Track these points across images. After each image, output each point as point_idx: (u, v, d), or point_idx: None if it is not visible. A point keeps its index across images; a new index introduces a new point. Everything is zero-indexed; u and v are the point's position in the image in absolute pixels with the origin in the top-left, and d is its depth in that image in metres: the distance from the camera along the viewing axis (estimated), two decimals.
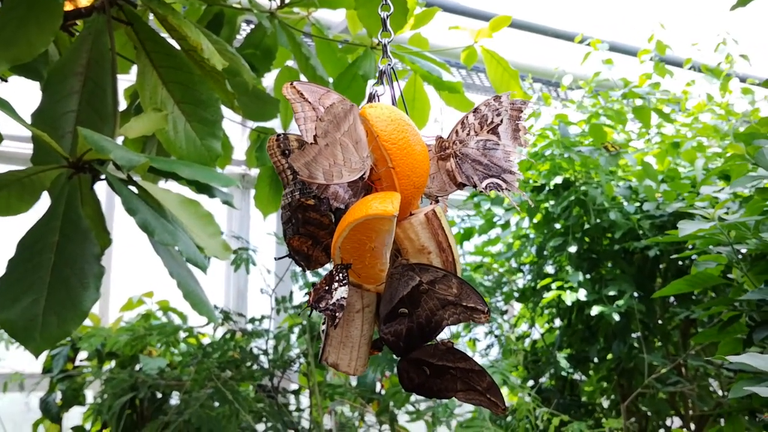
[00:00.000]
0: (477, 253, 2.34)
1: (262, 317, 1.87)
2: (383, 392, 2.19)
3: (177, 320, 2.13)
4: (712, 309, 1.34)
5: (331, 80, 1.69)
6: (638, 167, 1.95)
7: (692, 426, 2.13)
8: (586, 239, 2.10)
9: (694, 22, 2.34)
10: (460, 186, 0.69)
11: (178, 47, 1.22)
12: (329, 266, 0.72)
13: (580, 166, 1.96)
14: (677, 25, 2.23)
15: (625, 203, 1.96)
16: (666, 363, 1.92)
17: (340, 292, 0.64)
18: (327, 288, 0.65)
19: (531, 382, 2.21)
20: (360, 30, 1.79)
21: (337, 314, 0.63)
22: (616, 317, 1.90)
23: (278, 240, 1.88)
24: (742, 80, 2.24)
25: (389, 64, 0.74)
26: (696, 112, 2.14)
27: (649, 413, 2.16)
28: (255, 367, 1.83)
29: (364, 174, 0.64)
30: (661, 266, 2.10)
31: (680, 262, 2.03)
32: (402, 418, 2.07)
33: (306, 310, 1.88)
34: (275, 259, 0.68)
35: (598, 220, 1.96)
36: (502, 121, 0.70)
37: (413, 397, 1.90)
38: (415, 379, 0.74)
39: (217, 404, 1.78)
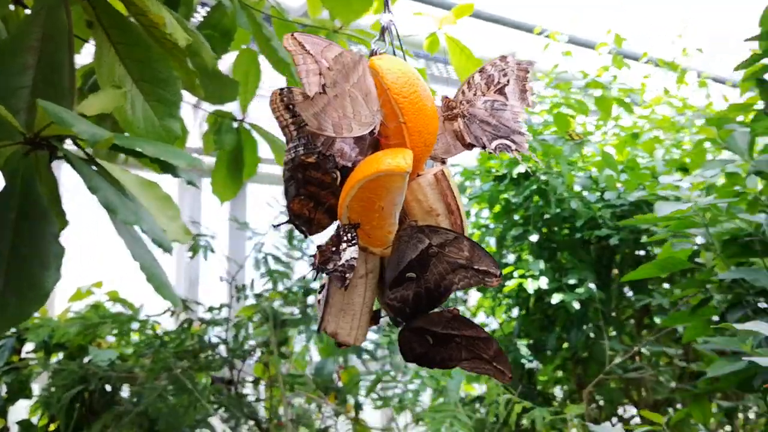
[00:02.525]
0: None
1: (221, 306, 1.82)
2: (340, 384, 2.16)
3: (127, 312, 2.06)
4: (684, 291, 1.35)
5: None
6: (598, 158, 1.96)
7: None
8: (545, 230, 2.10)
9: (652, 16, 2.37)
10: (469, 147, 0.67)
11: (136, 23, 1.17)
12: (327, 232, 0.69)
13: (542, 156, 1.96)
14: (635, 19, 2.26)
15: (585, 193, 1.97)
16: (626, 350, 1.93)
17: (350, 253, 0.61)
18: (334, 249, 0.61)
19: None
20: (320, 14, 1.76)
21: (347, 275, 0.60)
22: (576, 305, 1.91)
23: (239, 226, 1.83)
24: (699, 74, 2.28)
25: (391, 20, 0.71)
26: (653, 105, 2.17)
27: (601, 402, 2.18)
28: (214, 357, 1.77)
29: (374, 129, 0.61)
30: (616, 256, 2.12)
31: (637, 252, 2.05)
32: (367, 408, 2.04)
33: (268, 299, 1.84)
34: (273, 226, 0.64)
35: (559, 210, 1.97)
36: (508, 81, 0.68)
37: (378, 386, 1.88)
38: (417, 349, 0.71)
39: (171, 396, 1.72)
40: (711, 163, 1.30)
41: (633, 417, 2.39)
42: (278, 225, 0.69)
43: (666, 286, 2.04)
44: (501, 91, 0.68)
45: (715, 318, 1.37)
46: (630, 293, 2.11)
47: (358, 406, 1.90)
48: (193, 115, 2.41)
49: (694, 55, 2.26)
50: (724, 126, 1.28)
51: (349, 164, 0.63)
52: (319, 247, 0.63)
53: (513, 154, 0.66)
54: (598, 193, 1.95)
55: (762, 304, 1.19)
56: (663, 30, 2.30)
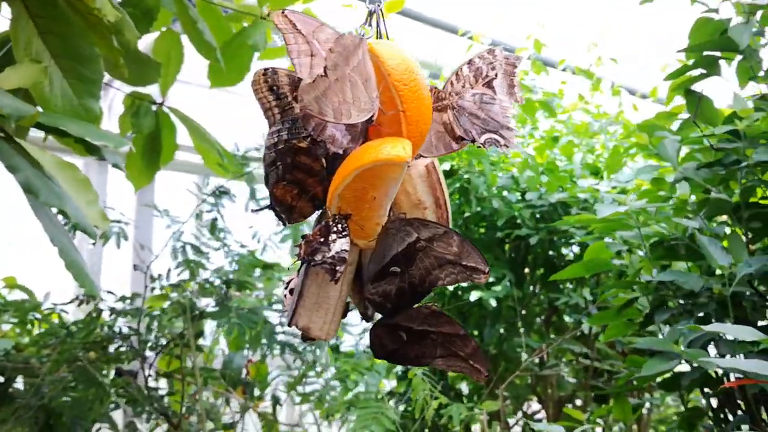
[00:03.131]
0: None
1: (134, 295, 1.73)
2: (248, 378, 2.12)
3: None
4: (611, 291, 1.39)
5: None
6: (519, 159, 2.00)
7: (551, 410, 2.22)
8: (463, 227, 2.12)
9: (571, 25, 2.44)
10: (459, 139, 0.66)
11: None
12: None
13: (466, 155, 1.97)
14: (555, 27, 2.31)
15: (505, 192, 2.00)
16: (536, 348, 1.98)
17: (340, 244, 0.58)
18: (323, 240, 0.59)
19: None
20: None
21: (337, 268, 0.57)
22: (493, 303, 1.94)
23: (158, 213, 1.75)
24: (612, 83, 2.36)
25: (378, 4, 0.69)
26: (570, 110, 2.23)
27: (508, 399, 2.23)
28: (124, 348, 1.69)
29: (372, 115, 0.58)
30: (529, 256, 2.17)
31: (550, 252, 2.10)
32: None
33: (184, 290, 1.77)
34: (252, 211, 0.60)
35: (479, 208, 1.99)
36: (496, 75, 0.67)
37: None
38: (389, 346, 0.70)
39: (75, 389, 1.63)
40: (643, 169, 1.34)
41: (536, 413, 2.45)
42: (256, 210, 0.66)
43: (569, 285, 2.10)
44: (489, 85, 0.67)
45: (633, 319, 1.41)
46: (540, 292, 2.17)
47: (276, 402, 1.86)
48: (104, 95, 2.29)
49: (608, 65, 2.33)
50: (655, 133, 1.32)
51: (340, 151, 0.61)
52: (305, 237, 0.60)
53: (502, 148, 0.65)
54: (519, 194, 1.98)
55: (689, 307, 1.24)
56: (581, 38, 2.37)
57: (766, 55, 1.34)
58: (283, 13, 0.61)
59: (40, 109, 1.12)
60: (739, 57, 1.36)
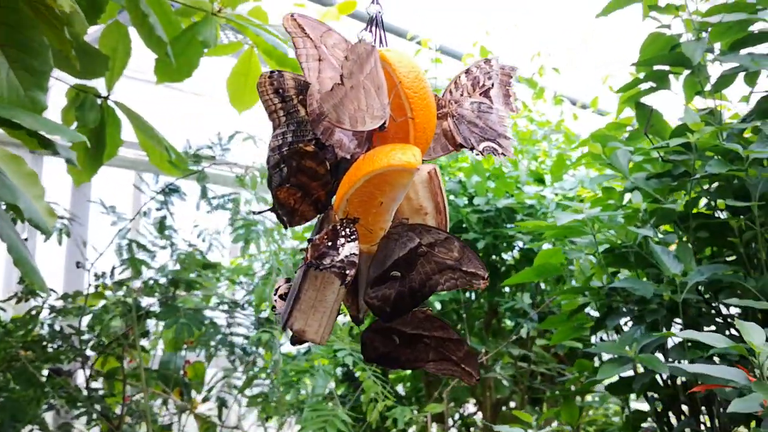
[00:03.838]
0: (297, 237, 2.29)
1: (76, 293, 1.68)
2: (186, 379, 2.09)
3: None
4: (562, 296, 1.42)
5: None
6: (466, 164, 2.03)
7: (488, 412, 2.26)
8: None
9: (516, 33, 2.48)
10: (458, 147, 0.67)
11: None
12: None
13: None
14: (500, 35, 2.36)
15: (453, 197, 2.02)
16: (480, 351, 2.01)
17: (349, 248, 0.58)
18: (331, 244, 0.59)
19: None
20: None
21: (347, 272, 0.57)
22: (438, 306, 1.96)
23: (104, 210, 1.70)
24: (554, 93, 2.42)
25: (379, 11, 0.69)
26: (514, 117, 2.27)
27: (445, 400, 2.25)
28: (64, 347, 1.64)
29: (384, 122, 0.59)
30: None
31: (492, 257, 2.14)
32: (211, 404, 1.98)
33: (129, 288, 1.72)
34: (254, 213, 0.59)
35: None
36: (492, 84, 0.69)
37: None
38: (380, 349, 0.70)
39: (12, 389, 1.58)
40: (598, 178, 1.39)
41: (473, 414, 2.49)
42: (259, 212, 0.65)
43: (506, 289, 2.15)
44: (486, 94, 0.68)
45: (581, 323, 1.46)
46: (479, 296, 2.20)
47: (223, 404, 1.83)
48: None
49: (551, 75, 2.39)
50: (608, 143, 1.36)
51: (348, 156, 0.61)
52: (311, 240, 0.60)
53: (499, 157, 0.66)
54: (466, 198, 2.01)
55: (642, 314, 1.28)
56: (526, 47, 2.42)
57: (713, 71, 1.40)
58: (292, 16, 0.61)
59: None
60: (687, 72, 1.42)
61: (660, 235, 1.34)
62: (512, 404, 2.34)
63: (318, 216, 0.65)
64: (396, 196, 0.60)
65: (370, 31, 0.69)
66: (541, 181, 2.12)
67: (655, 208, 1.32)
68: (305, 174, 0.62)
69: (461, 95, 0.68)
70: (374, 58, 0.58)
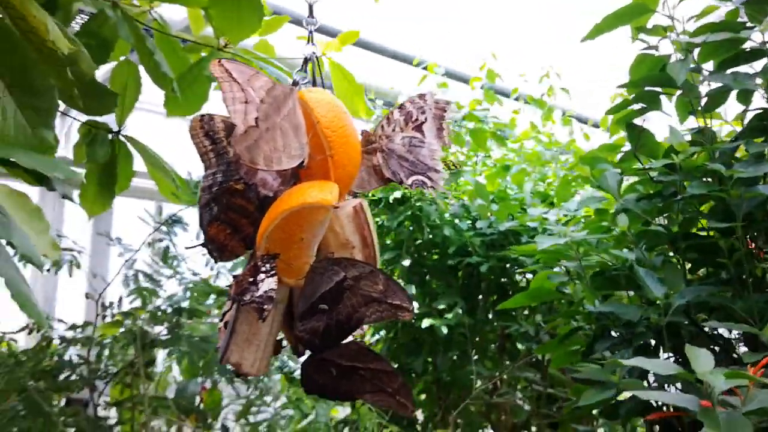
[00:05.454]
0: None
1: (85, 324, 1.72)
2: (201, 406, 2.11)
3: None
4: (555, 321, 1.42)
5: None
6: (470, 187, 2.03)
7: None
8: (416, 255, 2.15)
9: (524, 55, 2.49)
10: (386, 181, 0.68)
11: (12, 26, 1.11)
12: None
13: None
14: (508, 57, 2.37)
15: (456, 220, 2.03)
16: (490, 375, 2.00)
17: (268, 284, 0.60)
18: (252, 279, 0.60)
19: None
20: (203, 30, 1.73)
21: (265, 307, 0.59)
22: (445, 330, 1.96)
23: (109, 241, 1.75)
24: (564, 112, 2.42)
25: (314, 52, 0.71)
26: (522, 139, 2.28)
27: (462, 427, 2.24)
28: (73, 377, 1.68)
29: (303, 161, 0.60)
30: (481, 284, 2.20)
31: (502, 279, 2.14)
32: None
33: (136, 318, 1.76)
34: (185, 248, 0.62)
35: (431, 236, 2.01)
36: (426, 119, 0.70)
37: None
38: (319, 380, 0.71)
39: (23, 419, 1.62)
40: (588, 200, 1.38)
41: None
42: (190, 247, 0.68)
43: (523, 313, 2.13)
44: (419, 128, 0.69)
45: (579, 348, 1.44)
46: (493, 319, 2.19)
47: (226, 431, 1.85)
48: (61, 123, 2.29)
49: (559, 94, 2.39)
50: (597, 165, 1.36)
51: (271, 194, 0.63)
52: (235, 277, 0.61)
53: (428, 190, 0.68)
54: (469, 222, 2.01)
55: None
56: (533, 68, 2.43)
57: (705, 91, 1.39)
58: (219, 62, 0.63)
59: None
60: (679, 92, 1.41)
61: (654, 257, 1.33)
62: (533, 429, 2.32)
63: (248, 252, 0.67)
64: (316, 233, 0.61)
65: (305, 71, 0.71)
66: (548, 202, 2.11)
67: (644, 230, 1.31)
68: (234, 211, 0.64)
69: (393, 130, 0.69)
70: (292, 100, 0.60)
